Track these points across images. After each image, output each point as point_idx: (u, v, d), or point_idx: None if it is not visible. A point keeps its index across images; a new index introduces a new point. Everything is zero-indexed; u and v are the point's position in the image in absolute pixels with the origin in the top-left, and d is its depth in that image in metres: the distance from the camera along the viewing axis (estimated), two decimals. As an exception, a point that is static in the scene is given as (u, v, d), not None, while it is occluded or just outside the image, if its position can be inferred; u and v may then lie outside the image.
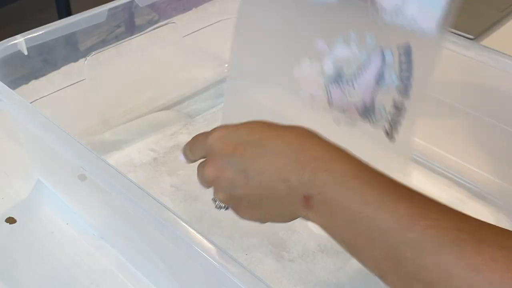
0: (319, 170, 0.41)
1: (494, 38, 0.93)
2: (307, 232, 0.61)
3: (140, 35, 0.71)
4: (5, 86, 0.55)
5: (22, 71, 0.63)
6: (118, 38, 0.69)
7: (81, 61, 0.67)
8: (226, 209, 0.48)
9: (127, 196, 0.45)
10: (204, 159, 0.48)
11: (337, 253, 0.59)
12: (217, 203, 0.49)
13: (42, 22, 0.64)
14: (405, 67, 0.53)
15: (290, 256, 0.58)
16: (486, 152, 0.68)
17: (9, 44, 0.60)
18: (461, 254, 0.35)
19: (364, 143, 0.56)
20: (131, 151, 0.70)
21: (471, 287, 0.34)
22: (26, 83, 0.64)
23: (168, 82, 0.78)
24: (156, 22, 0.72)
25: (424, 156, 0.70)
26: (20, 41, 0.61)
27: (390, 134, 0.57)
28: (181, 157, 0.52)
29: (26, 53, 0.61)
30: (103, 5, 0.66)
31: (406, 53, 0.53)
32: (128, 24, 0.71)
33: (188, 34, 0.77)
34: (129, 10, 0.70)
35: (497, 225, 0.37)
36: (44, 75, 0.66)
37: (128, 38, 0.70)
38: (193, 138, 0.50)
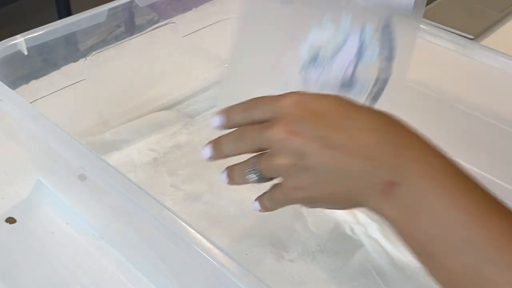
0: (413, 160, 0.38)
1: (494, 38, 0.93)
2: (307, 232, 0.61)
3: (140, 35, 0.71)
4: (5, 86, 0.55)
5: (22, 71, 0.63)
6: (118, 38, 0.69)
7: (81, 61, 0.67)
8: (259, 182, 0.45)
9: (127, 196, 0.45)
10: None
11: (337, 253, 0.59)
12: (254, 170, 0.44)
13: (42, 22, 0.64)
14: (386, 40, 0.54)
15: (290, 256, 0.58)
16: (486, 152, 0.68)
17: (9, 44, 0.60)
18: None
19: None
20: (131, 151, 0.70)
21: None
22: (26, 83, 0.64)
23: (168, 82, 0.78)
24: (156, 22, 0.72)
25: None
26: (20, 41, 0.61)
27: (373, 100, 0.58)
28: (217, 121, 0.48)
29: (26, 53, 0.61)
30: (103, 5, 0.66)
31: (386, 26, 0.53)
32: (128, 24, 0.71)
33: (188, 34, 0.77)
34: (129, 10, 0.70)
35: None
36: (44, 75, 0.66)
37: (128, 38, 0.70)
38: (254, 99, 0.45)
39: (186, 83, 0.80)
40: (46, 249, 0.59)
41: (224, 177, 0.48)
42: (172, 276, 0.53)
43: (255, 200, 0.47)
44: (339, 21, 0.54)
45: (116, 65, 0.71)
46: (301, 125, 0.41)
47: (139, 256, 0.56)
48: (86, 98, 0.69)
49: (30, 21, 1.06)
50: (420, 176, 0.38)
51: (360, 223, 0.61)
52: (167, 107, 0.78)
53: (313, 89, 0.57)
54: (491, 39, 0.92)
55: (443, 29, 0.70)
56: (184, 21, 0.75)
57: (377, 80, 0.56)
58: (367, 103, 0.57)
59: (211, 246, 0.41)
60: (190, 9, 0.77)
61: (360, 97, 0.58)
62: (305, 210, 0.63)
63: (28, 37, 0.61)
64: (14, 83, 0.60)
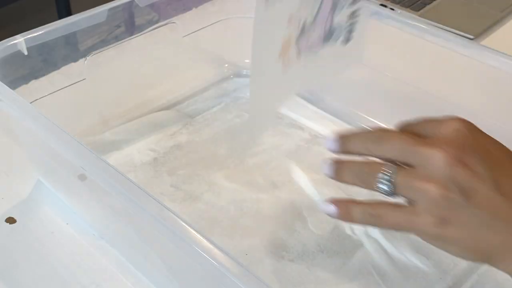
0: None
1: (494, 38, 0.93)
2: (307, 232, 0.61)
3: (140, 35, 0.71)
4: (5, 86, 0.55)
5: (22, 71, 0.63)
6: (118, 38, 0.69)
7: (81, 61, 0.67)
8: (389, 195, 0.40)
9: (127, 196, 0.45)
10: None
11: (337, 253, 0.59)
12: (388, 182, 0.40)
13: (42, 22, 0.64)
14: None
15: (290, 256, 0.58)
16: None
17: (9, 44, 0.60)
18: None
19: (325, 63, 0.60)
20: (131, 151, 0.70)
21: None
22: (26, 83, 0.64)
23: (168, 82, 0.78)
24: (156, 22, 0.72)
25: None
26: (20, 41, 0.61)
27: (347, 39, 0.61)
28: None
29: (26, 53, 0.61)
30: (103, 5, 0.66)
31: None
32: (128, 24, 0.71)
33: (188, 34, 0.77)
34: (129, 10, 0.70)
35: None
36: (44, 75, 0.66)
37: (128, 38, 0.70)
38: (413, 121, 0.42)
39: (186, 83, 0.80)
40: (46, 249, 0.59)
41: (328, 169, 0.44)
42: (172, 276, 0.53)
43: (332, 203, 0.44)
44: None
45: (116, 65, 0.71)
46: (470, 157, 0.37)
47: (139, 256, 0.56)
48: (86, 98, 0.69)
49: (30, 21, 1.06)
50: None
51: (360, 223, 0.61)
52: (167, 107, 0.78)
53: (304, 55, 0.57)
54: (491, 39, 0.92)
55: (443, 29, 0.70)
56: (184, 21, 0.75)
57: (349, 17, 0.60)
58: (342, 44, 0.60)
59: (211, 246, 0.41)
60: (190, 9, 0.77)
61: (337, 41, 0.60)
62: (305, 210, 0.63)
63: (28, 37, 0.61)
64: (14, 83, 0.60)
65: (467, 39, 0.70)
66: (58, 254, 0.59)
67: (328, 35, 0.59)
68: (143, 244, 0.54)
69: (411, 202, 0.40)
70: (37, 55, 0.63)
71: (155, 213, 0.44)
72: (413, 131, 0.41)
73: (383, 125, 0.74)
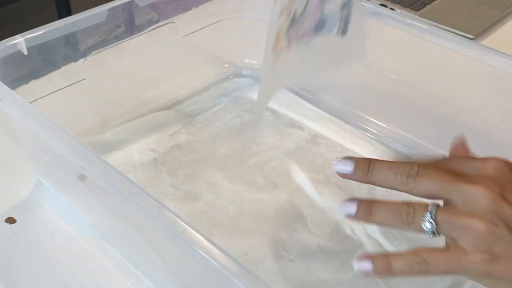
0: None
1: (494, 38, 0.93)
2: (307, 232, 0.61)
3: (140, 35, 0.71)
4: (5, 86, 0.55)
5: (22, 71, 0.63)
6: (118, 38, 0.69)
7: (81, 61, 0.67)
8: (432, 234, 0.40)
9: (127, 196, 0.45)
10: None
11: (337, 253, 0.59)
12: (431, 220, 0.39)
13: (42, 22, 0.64)
14: None
15: (290, 256, 0.58)
16: (487, 152, 0.68)
17: (9, 44, 0.60)
18: None
19: (320, 56, 0.59)
20: (131, 151, 0.70)
21: None
22: (26, 83, 0.64)
23: (168, 82, 0.78)
24: (156, 22, 0.72)
25: (423, 156, 0.70)
26: (20, 41, 0.61)
27: (343, 30, 0.60)
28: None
29: (26, 53, 0.61)
30: (103, 5, 0.66)
31: None
32: (128, 24, 0.71)
33: (188, 34, 0.77)
34: (129, 10, 0.70)
35: None
36: (44, 75, 0.66)
37: (128, 38, 0.70)
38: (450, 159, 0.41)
39: (186, 83, 0.80)
40: (46, 249, 0.59)
41: (355, 208, 0.42)
42: (172, 276, 0.53)
43: (366, 259, 0.41)
44: None
45: (116, 65, 0.71)
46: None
47: (139, 256, 0.56)
48: (86, 98, 0.69)
49: (30, 21, 1.06)
50: None
51: (360, 223, 0.61)
52: (167, 107, 0.78)
53: (295, 45, 0.56)
54: (491, 39, 0.92)
55: (443, 29, 0.70)
56: (184, 21, 0.75)
57: (342, 7, 0.59)
58: (339, 36, 0.59)
59: (211, 246, 0.41)
60: (190, 9, 0.77)
61: (332, 33, 0.60)
62: (305, 210, 0.63)
63: (28, 37, 0.61)
64: (14, 83, 0.60)
65: (467, 39, 0.70)
66: (58, 254, 0.59)
67: (320, 26, 0.59)
68: (143, 244, 0.54)
69: (454, 241, 0.39)
70: (37, 55, 0.63)
71: (155, 213, 0.44)
72: (447, 168, 0.40)
73: (383, 125, 0.74)
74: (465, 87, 0.68)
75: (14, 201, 0.64)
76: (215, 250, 0.41)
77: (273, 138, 0.73)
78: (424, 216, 0.39)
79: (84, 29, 0.65)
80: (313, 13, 0.57)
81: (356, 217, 0.42)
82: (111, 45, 0.68)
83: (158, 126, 0.74)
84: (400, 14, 0.71)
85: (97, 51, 0.68)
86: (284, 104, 0.77)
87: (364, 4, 0.69)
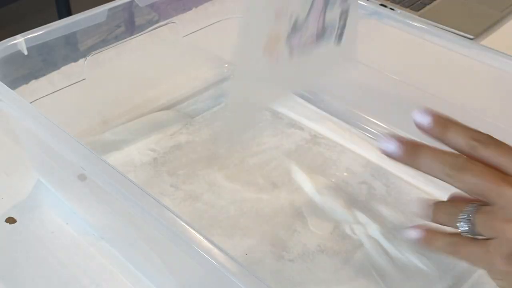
0: None
1: (494, 38, 0.93)
2: (307, 232, 0.61)
3: (140, 35, 0.71)
4: (5, 86, 0.55)
5: (22, 71, 0.63)
6: (118, 38, 0.69)
7: (81, 61, 0.67)
8: (471, 234, 0.41)
9: (127, 196, 0.45)
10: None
11: (337, 253, 0.59)
12: (467, 221, 0.40)
13: (42, 22, 0.64)
14: None
15: (290, 256, 0.58)
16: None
17: (9, 44, 0.60)
18: None
19: (319, 63, 0.60)
20: (131, 151, 0.70)
21: None
22: (26, 83, 0.64)
23: (168, 82, 0.78)
24: (156, 22, 0.72)
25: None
26: (20, 41, 0.61)
27: (339, 39, 0.61)
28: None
29: (26, 53, 0.61)
30: (103, 5, 0.66)
31: None
32: (128, 24, 0.71)
33: (188, 34, 0.77)
34: (129, 10, 0.70)
35: None
36: (44, 75, 0.66)
37: (128, 38, 0.70)
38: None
39: (186, 83, 0.80)
40: (46, 249, 0.59)
41: (426, 211, 0.44)
42: (172, 276, 0.53)
43: (418, 228, 0.44)
44: None
45: (116, 65, 0.71)
46: None
47: (139, 256, 0.56)
48: (86, 98, 0.69)
49: (30, 21, 1.06)
50: None
51: (360, 223, 0.61)
52: (167, 107, 0.78)
53: (297, 53, 0.57)
54: (491, 39, 0.92)
55: (443, 29, 0.70)
56: (184, 21, 0.75)
57: (341, 14, 0.60)
58: (335, 44, 0.59)
59: (211, 246, 0.41)
60: (190, 9, 0.77)
61: (330, 40, 0.60)
62: (305, 210, 0.63)
63: (28, 37, 0.61)
64: (14, 83, 0.60)
65: (467, 39, 0.70)
66: (58, 254, 0.59)
67: (321, 34, 0.59)
68: (143, 244, 0.54)
69: (488, 239, 0.40)
70: (37, 55, 0.63)
71: (155, 213, 0.44)
72: (497, 163, 0.40)
73: (383, 125, 0.74)
74: (465, 87, 0.68)
75: (14, 201, 0.64)
76: (215, 250, 0.41)
77: (273, 138, 0.73)
78: (460, 217, 0.40)
79: (84, 29, 0.65)
80: (315, 21, 0.57)
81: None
82: (111, 45, 0.68)
83: (158, 126, 0.74)
84: (400, 14, 0.71)
85: (97, 51, 0.68)
86: (284, 104, 0.77)
87: (361, 2, 0.69)
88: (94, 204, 0.59)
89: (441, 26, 0.89)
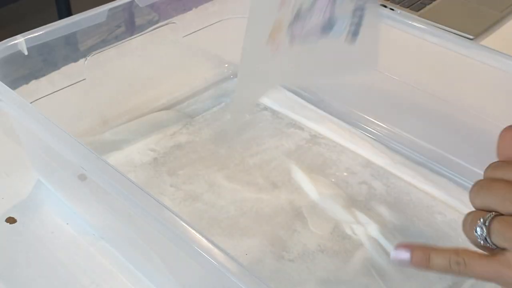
0: None
1: (494, 38, 0.93)
2: (307, 232, 0.61)
3: (140, 35, 0.71)
4: (5, 86, 0.55)
5: (22, 71, 0.63)
6: (118, 38, 0.69)
7: (81, 61, 0.67)
8: (484, 242, 0.39)
9: (127, 196, 0.45)
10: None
11: (337, 253, 0.59)
12: (483, 227, 0.39)
13: (42, 22, 0.64)
14: None
15: (290, 256, 0.58)
16: (487, 153, 0.68)
17: (9, 44, 0.60)
18: None
19: (326, 59, 0.59)
20: (131, 151, 0.70)
21: None
22: (26, 83, 0.64)
23: (168, 82, 0.78)
24: (156, 22, 0.72)
25: (423, 156, 0.70)
26: (20, 41, 0.61)
27: (354, 36, 0.59)
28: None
29: (26, 53, 0.61)
30: (103, 5, 0.66)
31: None
32: (128, 24, 0.71)
33: (188, 34, 0.77)
34: (129, 10, 0.70)
35: None
36: (44, 75, 0.66)
37: (128, 38, 0.70)
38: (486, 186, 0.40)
39: (186, 83, 0.80)
40: (46, 249, 0.59)
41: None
42: (172, 276, 0.53)
43: (404, 248, 0.42)
44: None
45: (116, 65, 0.71)
46: None
47: (139, 256, 0.56)
48: (86, 98, 0.69)
49: (30, 21, 1.06)
50: None
51: (360, 223, 0.61)
52: (167, 107, 0.78)
53: (298, 43, 0.56)
54: (491, 39, 0.92)
55: (443, 29, 0.70)
56: (184, 21, 0.75)
57: (355, 11, 0.58)
58: (348, 41, 0.58)
59: (211, 246, 0.41)
60: (190, 9, 0.77)
61: (340, 37, 0.59)
62: (305, 210, 0.63)
63: (28, 37, 0.61)
64: (14, 83, 0.60)
65: (467, 39, 0.70)
66: (58, 254, 0.59)
67: (328, 26, 0.58)
68: (143, 244, 0.54)
69: (502, 251, 0.39)
70: (37, 55, 0.63)
71: (155, 213, 0.44)
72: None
73: (383, 125, 0.74)
74: (465, 87, 0.68)
75: (14, 201, 0.64)
76: (215, 250, 0.41)
77: (273, 138, 0.73)
78: (479, 223, 0.39)
79: (84, 29, 0.65)
80: (321, 11, 0.56)
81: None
82: (111, 45, 0.69)
83: (158, 126, 0.74)
84: (400, 14, 0.71)
85: (97, 51, 0.68)
86: (284, 104, 0.77)
87: (381, 10, 0.68)
88: (94, 204, 0.59)
89: (441, 26, 0.89)
